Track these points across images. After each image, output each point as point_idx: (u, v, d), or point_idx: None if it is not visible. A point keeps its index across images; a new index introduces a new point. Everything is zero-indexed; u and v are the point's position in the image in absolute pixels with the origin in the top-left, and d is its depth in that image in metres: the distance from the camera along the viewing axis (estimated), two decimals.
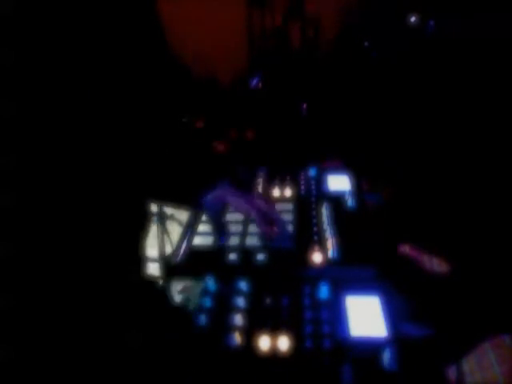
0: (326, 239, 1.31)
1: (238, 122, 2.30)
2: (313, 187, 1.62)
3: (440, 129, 1.91)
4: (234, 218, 1.43)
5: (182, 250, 1.32)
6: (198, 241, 1.36)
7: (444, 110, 1.96)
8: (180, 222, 1.54)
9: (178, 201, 1.33)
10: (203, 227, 1.42)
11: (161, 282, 1.21)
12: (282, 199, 1.56)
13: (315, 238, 1.31)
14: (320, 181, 1.65)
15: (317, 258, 1.23)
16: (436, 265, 1.25)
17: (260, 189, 1.63)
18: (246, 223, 1.40)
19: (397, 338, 0.98)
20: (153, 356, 0.92)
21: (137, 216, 1.07)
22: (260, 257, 1.24)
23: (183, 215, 1.53)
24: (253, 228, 1.37)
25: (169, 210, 1.56)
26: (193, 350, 0.98)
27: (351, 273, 1.17)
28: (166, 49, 1.12)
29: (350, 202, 1.48)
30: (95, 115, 0.88)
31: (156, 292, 1.15)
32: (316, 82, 2.46)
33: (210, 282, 1.14)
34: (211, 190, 1.23)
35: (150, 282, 1.20)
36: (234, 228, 1.39)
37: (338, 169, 1.72)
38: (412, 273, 1.23)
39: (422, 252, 1.28)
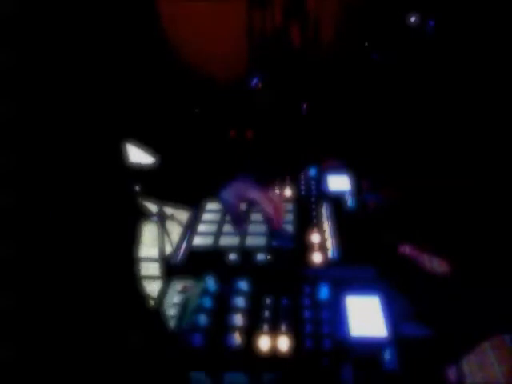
0: (326, 239, 1.31)
1: (238, 121, 2.30)
2: (313, 187, 1.62)
3: (440, 129, 1.90)
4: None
5: (181, 250, 1.32)
6: (197, 241, 1.36)
7: (444, 109, 1.96)
8: (180, 222, 1.54)
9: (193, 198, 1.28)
10: (203, 227, 1.42)
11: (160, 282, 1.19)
12: (282, 199, 1.55)
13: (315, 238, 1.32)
14: (320, 181, 1.65)
15: (317, 258, 1.23)
16: (436, 265, 1.25)
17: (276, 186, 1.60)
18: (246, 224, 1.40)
19: (397, 338, 0.98)
20: (154, 357, 0.92)
21: (138, 215, 1.07)
22: (260, 257, 1.24)
23: (183, 215, 1.53)
24: (253, 228, 1.37)
25: (169, 210, 1.56)
26: (193, 350, 0.98)
27: (351, 273, 1.17)
28: (166, 49, 1.12)
29: (350, 202, 1.48)
30: (96, 115, 0.88)
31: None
32: (316, 81, 2.45)
33: (210, 282, 1.14)
34: (227, 183, 1.18)
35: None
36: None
37: (337, 169, 1.72)
38: (412, 273, 1.23)
39: (422, 252, 1.28)
